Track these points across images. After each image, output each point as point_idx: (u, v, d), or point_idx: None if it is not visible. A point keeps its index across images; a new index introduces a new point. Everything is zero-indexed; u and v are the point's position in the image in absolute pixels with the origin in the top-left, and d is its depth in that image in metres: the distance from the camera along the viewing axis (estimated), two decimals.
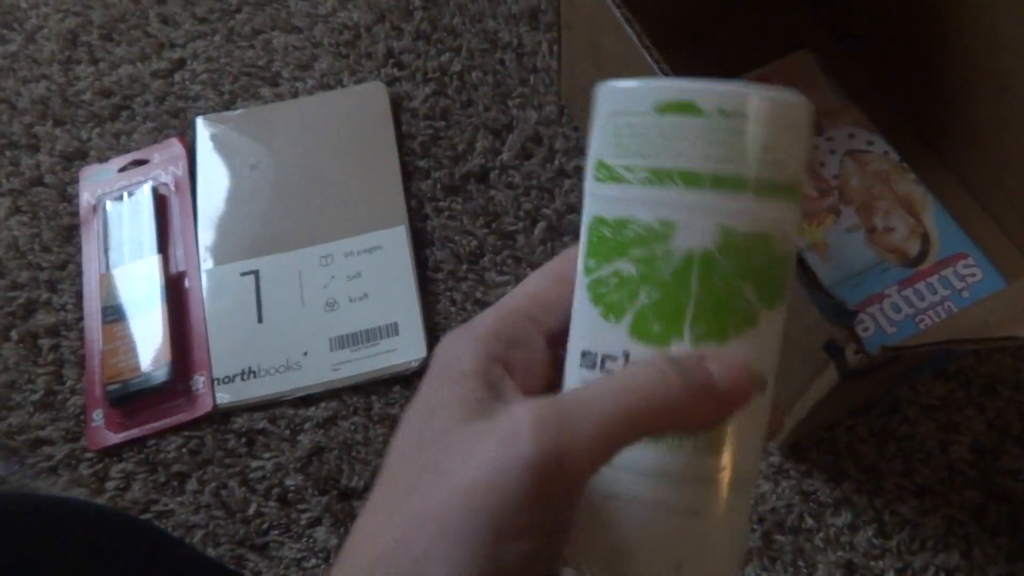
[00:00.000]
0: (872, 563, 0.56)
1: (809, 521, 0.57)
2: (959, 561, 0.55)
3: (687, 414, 0.21)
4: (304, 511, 0.59)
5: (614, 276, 0.23)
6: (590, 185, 0.24)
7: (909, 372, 0.58)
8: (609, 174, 0.23)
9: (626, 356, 0.23)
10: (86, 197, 0.72)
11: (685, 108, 0.21)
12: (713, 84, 0.21)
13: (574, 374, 0.24)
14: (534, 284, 0.26)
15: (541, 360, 0.25)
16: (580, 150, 0.71)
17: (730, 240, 0.22)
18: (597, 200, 0.23)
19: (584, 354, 0.24)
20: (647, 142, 0.22)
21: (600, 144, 0.23)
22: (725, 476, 0.23)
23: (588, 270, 0.23)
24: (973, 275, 0.60)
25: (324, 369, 0.63)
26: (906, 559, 0.56)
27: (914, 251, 0.62)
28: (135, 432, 0.62)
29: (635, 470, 0.23)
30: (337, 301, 0.66)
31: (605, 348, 0.23)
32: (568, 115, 0.73)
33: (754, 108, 0.21)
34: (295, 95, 0.76)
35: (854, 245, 0.62)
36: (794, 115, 0.22)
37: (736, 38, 0.73)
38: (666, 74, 0.48)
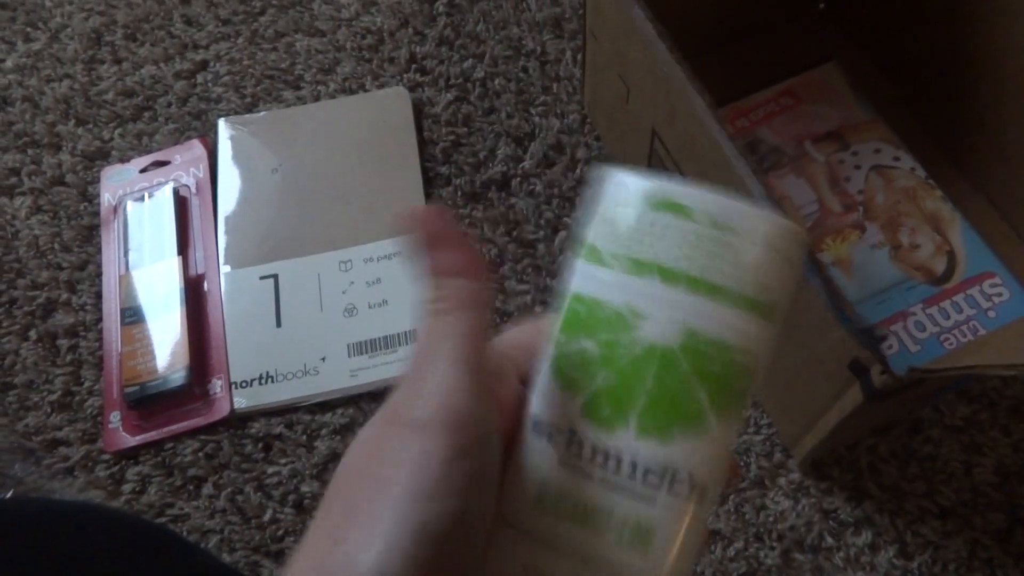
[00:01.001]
0: None
1: (829, 540, 0.57)
2: None
3: None
4: None
5: (579, 353, 0.24)
6: (577, 263, 0.25)
7: (933, 393, 0.57)
8: (596, 257, 0.24)
9: (572, 433, 0.23)
10: (107, 197, 0.72)
11: (678, 209, 0.23)
12: (711, 194, 0.23)
13: (527, 436, 0.25)
14: (517, 331, 0.27)
15: (514, 396, 0.25)
16: (602, 159, 0.71)
17: (693, 342, 0.23)
18: (580, 278, 0.25)
19: (537, 423, 0.24)
20: (637, 234, 0.23)
21: (595, 228, 0.24)
22: (643, 570, 0.23)
23: (557, 343, 0.24)
24: (1000, 294, 0.59)
25: (342, 375, 0.63)
26: None
27: (940, 269, 0.61)
28: (152, 435, 0.62)
29: (564, 553, 0.23)
30: (356, 307, 0.66)
31: (556, 420, 0.24)
32: (591, 124, 0.73)
33: (746, 227, 0.23)
34: (317, 99, 0.76)
35: (879, 262, 0.61)
36: (786, 241, 0.23)
37: (764, 50, 0.73)
38: (696, 88, 0.47)
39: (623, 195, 0.24)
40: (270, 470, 0.61)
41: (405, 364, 0.23)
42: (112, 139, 0.75)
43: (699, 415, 0.23)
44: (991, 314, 0.59)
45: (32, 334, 0.66)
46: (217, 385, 0.63)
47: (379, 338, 0.64)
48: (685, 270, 0.23)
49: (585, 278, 0.24)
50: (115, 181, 0.73)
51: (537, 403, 0.25)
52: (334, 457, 0.61)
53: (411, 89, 0.76)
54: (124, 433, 0.62)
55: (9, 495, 0.60)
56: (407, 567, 0.20)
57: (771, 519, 0.57)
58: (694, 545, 0.23)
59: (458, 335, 0.23)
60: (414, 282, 0.25)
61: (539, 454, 0.24)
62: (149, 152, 0.74)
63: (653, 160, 0.60)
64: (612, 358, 0.23)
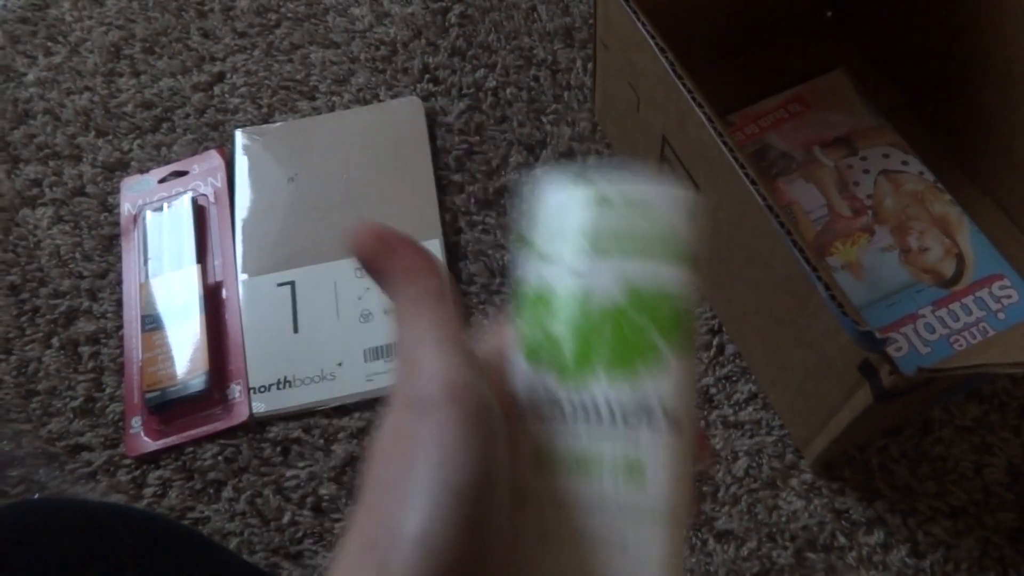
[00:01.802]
0: None
1: (841, 539, 0.57)
2: None
3: None
4: (338, 520, 0.60)
5: (543, 335, 0.27)
6: (526, 263, 0.28)
7: (943, 394, 0.58)
8: (540, 254, 0.28)
9: (552, 399, 0.26)
10: (127, 207, 0.73)
11: (601, 201, 0.27)
12: (624, 181, 0.27)
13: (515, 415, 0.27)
14: (485, 340, 0.30)
15: (502, 389, 0.28)
16: (613, 166, 0.72)
17: (636, 296, 0.26)
18: (529, 275, 0.28)
19: (521, 401, 0.27)
20: (571, 228, 0.27)
21: (535, 230, 0.28)
22: (642, 507, 0.25)
23: (523, 334, 0.28)
24: (1009, 296, 0.60)
25: (358, 380, 0.64)
26: None
27: (949, 272, 0.62)
28: (172, 439, 0.63)
29: (569, 506, 0.25)
30: (372, 312, 0.67)
31: (536, 394, 0.26)
32: (601, 132, 0.74)
33: (654, 199, 0.27)
34: (332, 109, 0.78)
35: (888, 265, 0.62)
36: (686, 203, 0.27)
37: (773, 58, 0.74)
38: (694, 97, 0.48)
39: (555, 199, 0.28)
40: (288, 473, 0.62)
41: (396, 358, 0.25)
42: (131, 150, 0.77)
43: (657, 353, 0.26)
44: (1000, 315, 0.59)
45: (55, 341, 0.68)
46: (236, 390, 0.64)
47: (394, 343, 0.65)
48: (616, 244, 0.27)
49: (534, 274, 0.28)
50: (135, 191, 0.74)
51: (518, 385, 0.27)
52: (351, 460, 0.62)
53: (424, 99, 0.77)
54: (145, 438, 0.63)
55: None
56: (445, 527, 0.21)
57: (784, 519, 0.58)
58: (685, 474, 0.26)
59: (436, 323, 0.25)
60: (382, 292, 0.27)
61: (528, 426, 0.26)
62: (168, 162, 0.76)
63: (664, 166, 0.61)
64: (572, 328, 0.26)
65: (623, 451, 0.25)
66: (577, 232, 0.27)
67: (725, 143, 0.44)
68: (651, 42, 0.48)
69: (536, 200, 0.28)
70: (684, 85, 0.46)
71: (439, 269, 0.26)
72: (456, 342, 0.24)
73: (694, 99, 0.45)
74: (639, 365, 0.26)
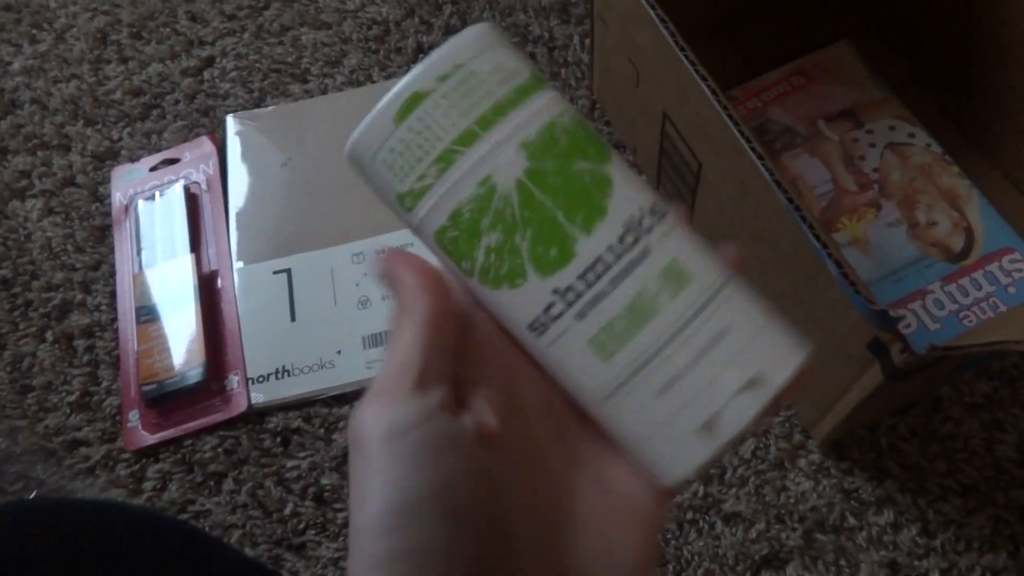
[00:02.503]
0: (916, 562, 0.55)
1: (851, 520, 0.56)
2: (1006, 561, 0.54)
3: None
4: (340, 510, 0.59)
5: (489, 254, 0.24)
6: (409, 218, 0.26)
7: (954, 371, 0.57)
8: (413, 197, 0.25)
9: (557, 293, 0.24)
10: (118, 197, 0.72)
11: (416, 99, 0.24)
12: (417, 69, 0.24)
13: (534, 347, 0.26)
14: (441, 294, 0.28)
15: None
16: (613, 145, 0.71)
17: (533, 147, 0.24)
18: (424, 222, 0.25)
19: (531, 326, 0.25)
20: (414, 148, 0.24)
21: (386, 185, 0.25)
22: (707, 291, 0.24)
23: (468, 272, 0.25)
24: (1019, 270, 0.59)
25: (358, 367, 0.63)
26: (951, 559, 0.55)
27: (958, 246, 0.60)
28: (171, 432, 0.62)
29: (650, 356, 0.24)
30: (370, 299, 0.66)
31: (539, 307, 0.24)
32: (600, 109, 0.72)
33: (462, 57, 0.24)
34: (325, 91, 0.76)
35: (896, 240, 0.61)
36: (490, 35, 0.25)
37: (776, 29, 0.72)
38: (697, 70, 0.47)
39: (373, 143, 0.25)
40: (289, 464, 0.61)
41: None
42: (121, 138, 0.75)
43: (598, 175, 0.24)
44: (1011, 290, 0.58)
45: (48, 335, 0.67)
46: (234, 381, 0.63)
47: None
48: (472, 120, 0.24)
49: (427, 216, 0.25)
50: (125, 180, 0.73)
51: (515, 317, 0.25)
52: None
53: None
54: (143, 431, 0.62)
55: (32, 496, 0.61)
56: (406, 492, 0.22)
57: (792, 500, 0.57)
58: (698, 237, 0.25)
59: (405, 345, 0.24)
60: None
61: (559, 337, 0.25)
62: (158, 150, 0.75)
63: (665, 143, 0.60)
64: (509, 222, 0.24)
65: (654, 269, 0.24)
66: (424, 142, 0.24)
67: (730, 116, 0.43)
68: (652, 14, 0.46)
69: (362, 153, 0.25)
70: (687, 58, 0.45)
71: (431, 296, 0.25)
72: (414, 368, 0.24)
73: (697, 72, 0.44)
74: (597, 198, 0.24)
